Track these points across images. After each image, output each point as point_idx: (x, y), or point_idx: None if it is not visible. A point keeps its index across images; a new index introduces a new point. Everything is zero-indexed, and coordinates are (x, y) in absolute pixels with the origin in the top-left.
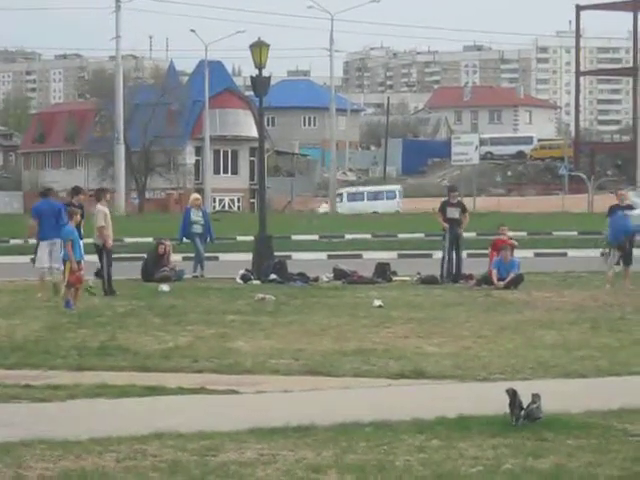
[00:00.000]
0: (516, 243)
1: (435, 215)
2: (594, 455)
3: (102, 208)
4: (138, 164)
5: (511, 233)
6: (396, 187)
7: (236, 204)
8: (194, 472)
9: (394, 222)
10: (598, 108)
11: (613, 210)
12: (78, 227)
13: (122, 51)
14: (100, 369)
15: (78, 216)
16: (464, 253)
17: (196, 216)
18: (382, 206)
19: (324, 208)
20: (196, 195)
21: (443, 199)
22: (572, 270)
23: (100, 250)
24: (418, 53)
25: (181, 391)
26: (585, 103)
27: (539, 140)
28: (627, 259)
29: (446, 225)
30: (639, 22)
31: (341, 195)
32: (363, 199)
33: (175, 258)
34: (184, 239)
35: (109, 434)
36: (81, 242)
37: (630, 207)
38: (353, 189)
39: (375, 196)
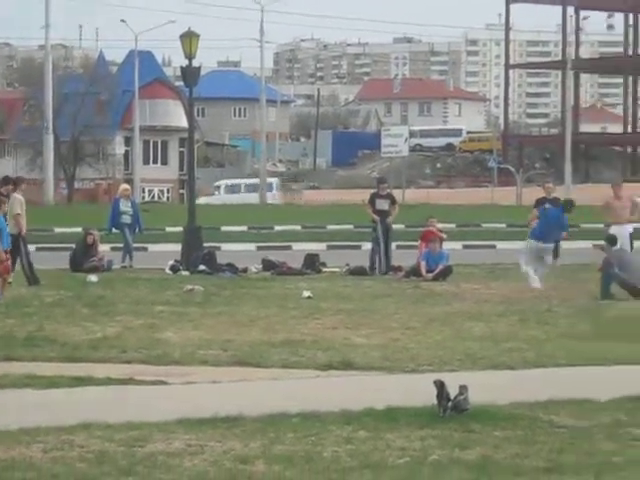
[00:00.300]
0: (444, 236)
1: (364, 207)
2: (520, 446)
3: (18, 196)
4: (67, 154)
5: (440, 225)
6: (274, 180)
7: (165, 195)
8: (121, 463)
9: (321, 213)
10: (527, 101)
11: (540, 202)
12: (5, 216)
13: (52, 40)
14: (28, 360)
15: (5, 206)
16: (393, 245)
17: (125, 206)
18: (256, 199)
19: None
20: (125, 185)
21: (372, 191)
22: (500, 262)
23: (16, 239)
24: (348, 45)
25: (109, 382)
26: (514, 96)
27: (468, 132)
28: (554, 253)
29: (376, 217)
30: (568, 16)
31: (219, 187)
32: (240, 191)
33: (104, 248)
34: (113, 229)
35: (37, 424)
36: (7, 232)
37: (557, 199)
38: (231, 181)
39: (253, 189)
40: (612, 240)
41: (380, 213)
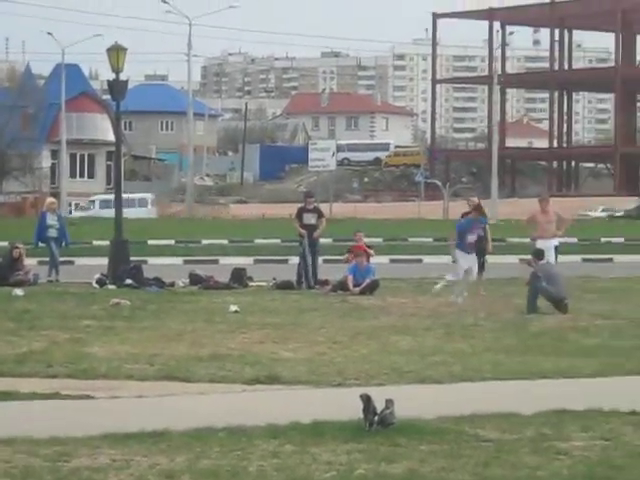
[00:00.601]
0: (372, 252)
1: (292, 221)
2: (446, 460)
3: None
4: None
5: (367, 239)
6: (148, 195)
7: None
8: (46, 478)
9: (249, 227)
10: (454, 116)
11: (465, 217)
12: None
13: None
14: None
15: None
16: (320, 259)
17: (51, 220)
18: (134, 213)
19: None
20: (51, 199)
21: (300, 205)
22: (427, 276)
23: None
24: (276, 59)
25: (35, 396)
26: (441, 111)
27: (396, 147)
28: (480, 266)
29: (303, 231)
30: (494, 31)
31: (93, 202)
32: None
33: (30, 262)
34: (39, 243)
35: None
36: None
37: (484, 214)
38: (105, 197)
39: (127, 204)
40: (539, 254)
41: (307, 227)
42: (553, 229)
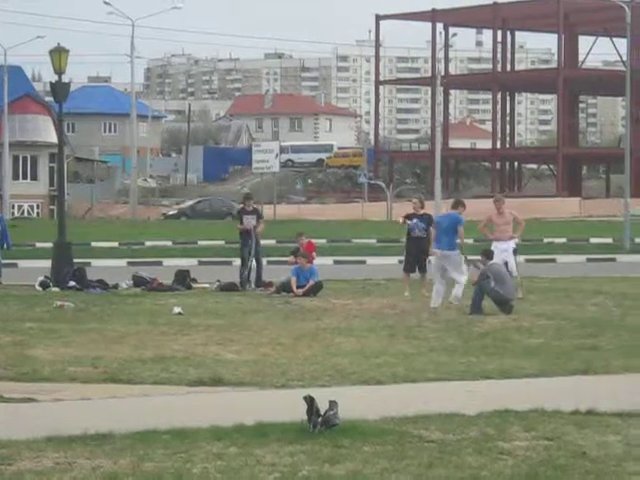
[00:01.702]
0: (314, 255)
1: (236, 225)
2: (390, 461)
3: None
4: None
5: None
6: None
7: (35, 210)
8: None
9: (192, 229)
10: (397, 117)
11: (410, 218)
12: None
13: None
14: None
15: None
16: (264, 260)
17: None
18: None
19: None
20: None
21: (239, 206)
22: (371, 277)
23: None
24: (219, 60)
25: None
26: (385, 112)
27: (340, 148)
28: (422, 267)
29: (244, 228)
30: (437, 32)
31: None
32: None
33: None
34: None
35: None
36: None
37: (426, 215)
38: None
39: None
40: (489, 254)
41: (248, 230)
42: (510, 231)
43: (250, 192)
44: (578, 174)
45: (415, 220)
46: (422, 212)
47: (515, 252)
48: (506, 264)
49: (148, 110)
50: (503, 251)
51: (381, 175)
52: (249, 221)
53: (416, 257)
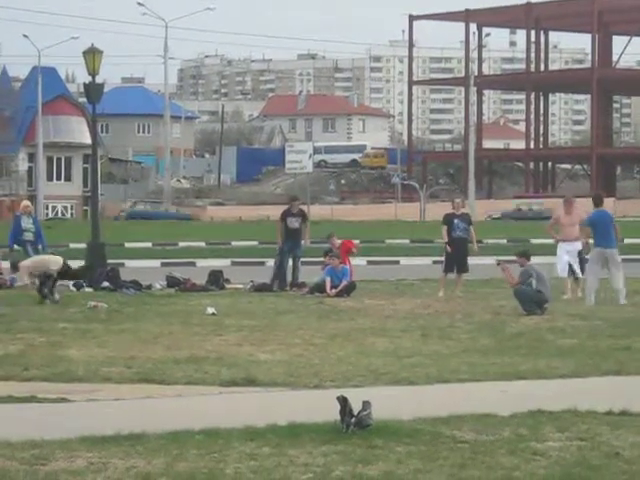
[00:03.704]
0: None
1: (276, 223)
2: (423, 462)
3: None
4: None
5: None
6: None
7: (69, 211)
8: None
9: (226, 230)
10: (430, 117)
11: (448, 218)
12: None
13: None
14: None
15: None
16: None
17: (27, 223)
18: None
19: None
20: (26, 202)
21: (285, 208)
22: (404, 278)
23: None
24: (253, 61)
25: (11, 399)
26: (418, 112)
27: (372, 149)
28: (462, 267)
29: (280, 241)
30: (471, 32)
31: None
32: None
33: (6, 266)
34: (15, 246)
35: None
36: None
37: (466, 215)
38: None
39: None
40: (528, 255)
41: (292, 231)
42: (576, 232)
43: (296, 194)
44: (612, 174)
45: (456, 220)
46: (462, 212)
47: (581, 253)
48: (571, 265)
49: (181, 111)
50: (568, 252)
51: (414, 175)
52: (293, 223)
53: (456, 257)
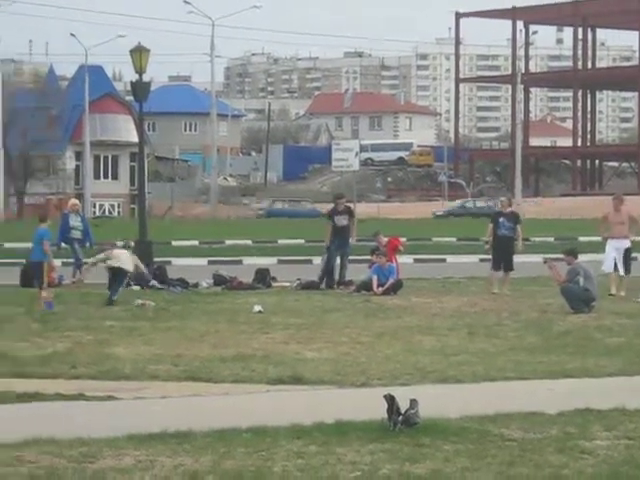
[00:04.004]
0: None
1: (325, 223)
2: (470, 460)
3: None
4: (17, 169)
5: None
6: None
7: (116, 209)
8: (71, 479)
9: (272, 228)
10: (477, 115)
11: (495, 216)
12: None
13: (1, 55)
14: None
15: None
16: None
17: (75, 221)
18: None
19: None
20: (74, 200)
21: (331, 206)
22: (451, 276)
23: None
24: (299, 59)
25: (59, 397)
26: (464, 110)
27: (419, 146)
28: (508, 265)
29: (328, 240)
30: (517, 30)
31: None
32: None
33: (57, 264)
34: (62, 244)
35: None
36: None
37: (513, 214)
38: None
39: None
40: (575, 253)
41: (339, 229)
42: (625, 230)
43: (341, 192)
44: None
45: (501, 219)
46: (509, 210)
47: (628, 251)
48: (616, 263)
49: (228, 109)
50: (616, 249)
51: (461, 173)
52: (340, 221)
53: (502, 255)
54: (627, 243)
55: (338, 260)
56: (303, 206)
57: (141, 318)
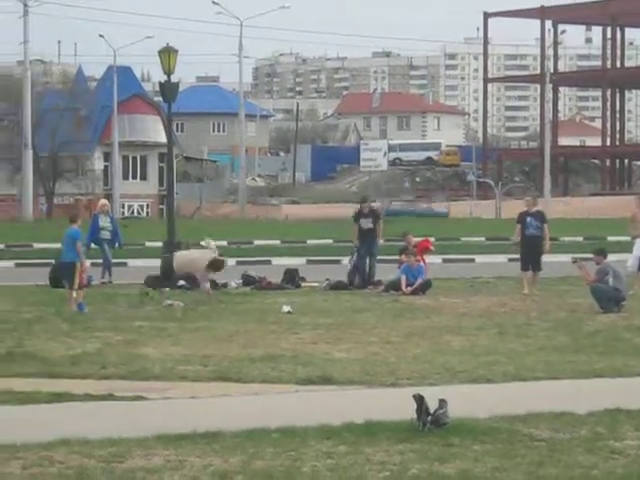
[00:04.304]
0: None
1: (352, 226)
2: (500, 460)
3: None
4: (46, 169)
5: (417, 239)
6: None
7: (145, 210)
8: (101, 479)
9: (301, 228)
10: (506, 115)
11: (522, 217)
12: None
13: (30, 56)
14: (7, 376)
15: None
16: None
17: (104, 222)
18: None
19: None
20: (104, 201)
21: (356, 209)
22: (480, 276)
23: None
24: (327, 59)
25: (88, 397)
26: (493, 110)
27: (447, 146)
28: (536, 265)
29: (356, 242)
30: (546, 29)
31: None
32: None
33: (88, 264)
34: (92, 245)
35: (15, 441)
36: None
37: (539, 213)
38: None
39: None
40: (604, 252)
41: (365, 232)
42: None
43: (365, 195)
44: None
45: (528, 219)
46: (535, 210)
47: None
48: None
49: (256, 109)
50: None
51: (489, 173)
52: (366, 224)
53: (530, 255)
54: None
55: (367, 260)
56: (419, 205)
57: (170, 319)
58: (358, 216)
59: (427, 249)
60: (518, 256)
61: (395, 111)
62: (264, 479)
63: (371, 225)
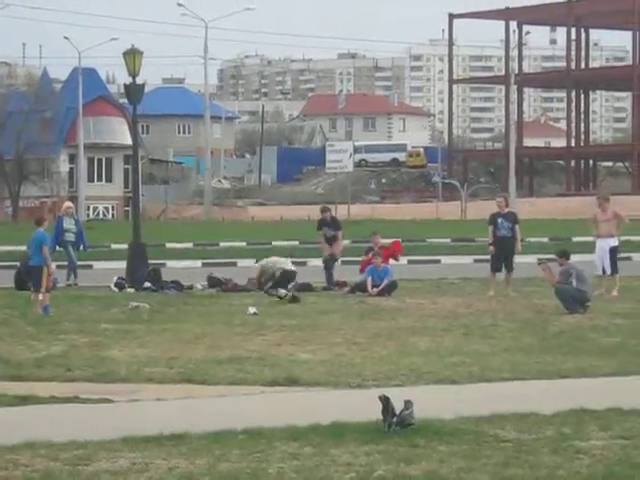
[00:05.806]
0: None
1: (316, 234)
2: (465, 461)
3: None
4: (11, 172)
5: (384, 240)
6: None
7: (110, 212)
8: None
9: (267, 230)
10: (471, 116)
11: (494, 218)
12: None
13: None
14: None
15: None
16: (338, 261)
17: (69, 224)
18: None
19: None
20: (68, 203)
21: (319, 218)
22: (445, 277)
23: None
24: (292, 61)
25: (54, 400)
26: (458, 111)
27: (412, 147)
28: (509, 266)
29: (324, 245)
30: (511, 30)
31: None
32: None
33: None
34: (57, 247)
35: None
36: None
37: (511, 214)
38: None
39: None
40: (567, 253)
41: (331, 238)
42: (610, 228)
43: (325, 205)
44: None
45: (499, 220)
46: (507, 210)
47: (613, 250)
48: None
49: (222, 111)
50: (601, 248)
51: (455, 174)
52: (329, 232)
53: (502, 256)
54: (613, 242)
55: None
56: None
57: (136, 321)
58: (321, 224)
59: (394, 255)
60: (489, 257)
61: (361, 112)
62: None
63: (333, 232)
